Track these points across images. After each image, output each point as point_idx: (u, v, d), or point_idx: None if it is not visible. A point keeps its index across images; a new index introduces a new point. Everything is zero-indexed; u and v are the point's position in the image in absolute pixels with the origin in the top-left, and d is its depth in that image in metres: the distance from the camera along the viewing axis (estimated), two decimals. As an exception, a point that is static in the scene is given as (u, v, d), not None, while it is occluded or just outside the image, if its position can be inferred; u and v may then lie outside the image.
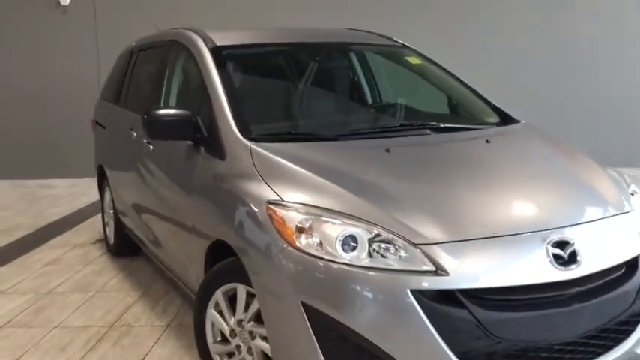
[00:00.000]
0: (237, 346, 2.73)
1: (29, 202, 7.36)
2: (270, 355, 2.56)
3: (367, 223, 2.33)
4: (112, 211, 5.03)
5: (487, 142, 3.11)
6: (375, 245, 2.30)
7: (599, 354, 2.44)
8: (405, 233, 2.30)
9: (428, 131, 3.24)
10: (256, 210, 2.53)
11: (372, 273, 2.24)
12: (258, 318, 2.60)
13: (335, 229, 2.33)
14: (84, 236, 5.77)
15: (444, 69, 3.89)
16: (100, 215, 6.35)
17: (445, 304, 2.21)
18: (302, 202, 2.45)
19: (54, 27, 8.09)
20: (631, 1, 7.85)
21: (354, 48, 4.13)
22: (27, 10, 8.06)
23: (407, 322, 2.20)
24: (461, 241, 2.31)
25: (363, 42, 4.12)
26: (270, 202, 2.49)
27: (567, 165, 2.99)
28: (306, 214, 2.39)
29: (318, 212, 2.40)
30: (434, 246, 2.27)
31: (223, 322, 2.77)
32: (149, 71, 4.29)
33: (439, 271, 2.22)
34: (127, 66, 4.84)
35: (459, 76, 3.88)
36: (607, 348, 2.46)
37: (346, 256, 2.28)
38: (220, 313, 2.79)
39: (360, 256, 2.28)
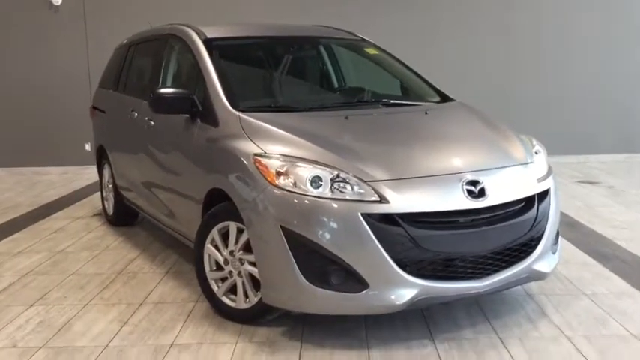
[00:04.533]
0: (230, 272, 3.47)
1: (27, 186, 8.01)
2: (255, 275, 3.32)
3: (330, 167, 3.11)
4: (111, 186, 5.72)
5: (426, 113, 3.93)
6: (335, 184, 3.07)
7: (505, 267, 3.25)
8: (358, 174, 3.08)
9: (379, 105, 4.08)
10: (245, 161, 3.29)
11: (333, 203, 3.02)
12: (245, 248, 3.36)
13: (305, 172, 3.10)
14: (82, 211, 6.46)
15: (396, 58, 4.70)
16: (94, 195, 7.11)
17: (387, 224, 2.99)
18: (280, 153, 3.23)
19: (47, 25, 8.70)
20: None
21: (322, 41, 4.92)
22: (21, 9, 8.66)
23: (359, 238, 2.97)
24: (399, 179, 3.10)
25: (329, 36, 4.91)
26: (255, 154, 3.26)
27: (484, 129, 3.80)
28: (284, 161, 3.16)
29: (293, 160, 3.17)
30: (379, 183, 3.06)
31: (218, 254, 3.52)
32: (148, 60, 5.02)
33: (382, 200, 3.00)
34: (125, 57, 5.55)
35: (409, 65, 4.69)
36: (510, 263, 3.27)
37: (314, 192, 3.05)
38: (216, 247, 3.54)
39: (324, 191, 3.05)
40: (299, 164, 3.14)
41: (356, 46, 4.90)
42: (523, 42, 8.79)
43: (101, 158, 5.95)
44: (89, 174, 8.38)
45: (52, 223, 5.99)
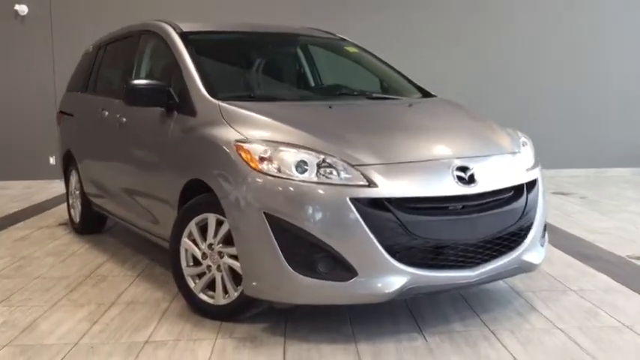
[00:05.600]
0: (208, 267, 3.29)
1: (-13, 199, 7.69)
2: (235, 269, 3.15)
3: (315, 151, 2.98)
4: (78, 192, 5.49)
5: (409, 105, 3.85)
6: (322, 169, 2.94)
7: (496, 257, 3.15)
8: (345, 158, 2.96)
9: (363, 98, 3.98)
10: (226, 148, 3.14)
11: (320, 188, 2.88)
12: (225, 241, 3.20)
13: (290, 156, 2.96)
14: (47, 221, 6.18)
15: (376, 57, 4.63)
16: (59, 207, 6.83)
17: (376, 209, 2.86)
18: (263, 138, 3.09)
19: (12, 35, 8.46)
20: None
21: (301, 39, 4.83)
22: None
23: (347, 223, 2.84)
24: (388, 163, 2.99)
25: (308, 34, 4.82)
26: (237, 141, 3.12)
27: (470, 120, 3.73)
28: (267, 146, 3.02)
29: (276, 145, 3.03)
30: (367, 167, 2.94)
31: (196, 248, 3.34)
32: (120, 58, 4.85)
33: (371, 184, 2.88)
34: (95, 58, 5.37)
35: (391, 64, 4.62)
36: (501, 253, 3.17)
37: (299, 176, 2.92)
38: (193, 241, 3.36)
39: (310, 176, 2.92)
40: (283, 148, 3.01)
41: (335, 44, 4.82)
42: (492, 56, 8.86)
43: (68, 165, 5.72)
44: (54, 187, 8.12)
45: (15, 232, 5.71)
